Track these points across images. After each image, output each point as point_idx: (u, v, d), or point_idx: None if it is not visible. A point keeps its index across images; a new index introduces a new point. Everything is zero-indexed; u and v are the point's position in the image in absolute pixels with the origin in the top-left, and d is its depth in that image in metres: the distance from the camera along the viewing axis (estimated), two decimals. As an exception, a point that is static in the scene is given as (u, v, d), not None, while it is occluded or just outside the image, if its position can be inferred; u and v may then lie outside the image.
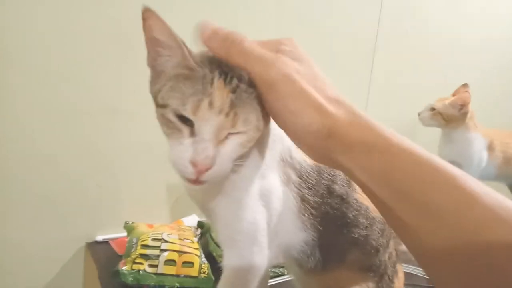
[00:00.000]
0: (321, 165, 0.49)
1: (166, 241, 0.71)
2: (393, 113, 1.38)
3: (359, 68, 1.26)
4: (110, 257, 0.77)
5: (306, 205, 0.47)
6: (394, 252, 0.54)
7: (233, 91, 0.34)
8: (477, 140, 1.16)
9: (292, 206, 0.47)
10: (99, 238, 0.83)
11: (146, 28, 0.35)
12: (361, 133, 0.31)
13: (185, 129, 0.35)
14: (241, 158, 0.38)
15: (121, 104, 0.83)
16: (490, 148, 1.16)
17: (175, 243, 0.71)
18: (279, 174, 0.46)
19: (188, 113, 0.34)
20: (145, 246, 0.70)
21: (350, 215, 0.49)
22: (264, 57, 0.33)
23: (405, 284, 0.75)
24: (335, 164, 0.33)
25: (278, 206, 0.45)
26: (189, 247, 0.72)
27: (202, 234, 0.84)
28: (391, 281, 0.51)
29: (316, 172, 0.48)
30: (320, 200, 0.47)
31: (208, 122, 0.34)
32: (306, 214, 0.47)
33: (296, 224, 0.47)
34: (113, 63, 0.81)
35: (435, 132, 1.24)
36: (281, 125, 0.34)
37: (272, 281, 0.69)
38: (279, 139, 0.46)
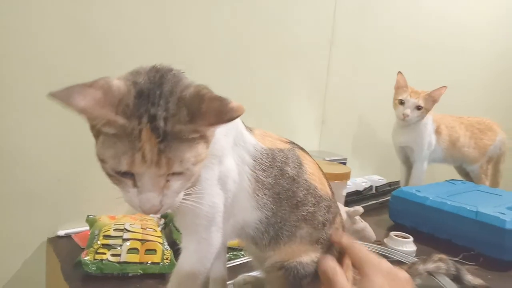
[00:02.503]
0: (274, 149, 0.53)
1: (128, 231, 0.73)
2: (351, 102, 1.44)
3: (316, 61, 1.31)
4: (72, 250, 0.77)
5: (260, 185, 0.50)
6: (341, 228, 0.58)
7: (163, 137, 0.36)
8: (429, 125, 1.24)
9: (247, 186, 0.50)
10: (61, 232, 0.83)
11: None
12: None
13: (128, 181, 0.38)
14: (191, 186, 0.42)
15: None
16: (438, 132, 1.25)
17: (138, 232, 0.73)
18: (234, 157, 0.49)
19: (125, 169, 0.37)
20: (107, 237, 0.71)
21: (301, 194, 0.53)
22: None
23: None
24: None
25: (233, 188, 0.49)
26: (152, 235, 0.74)
27: (165, 224, 0.86)
28: (338, 252, 0.56)
29: (270, 155, 0.52)
30: (273, 181, 0.51)
31: (145, 175, 0.37)
32: (260, 194, 0.50)
33: (251, 203, 0.51)
34: (76, 55, 0.81)
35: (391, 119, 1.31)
36: None
37: (232, 263, 0.72)
38: (233, 125, 0.49)
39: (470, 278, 0.73)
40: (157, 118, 0.36)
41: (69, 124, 0.82)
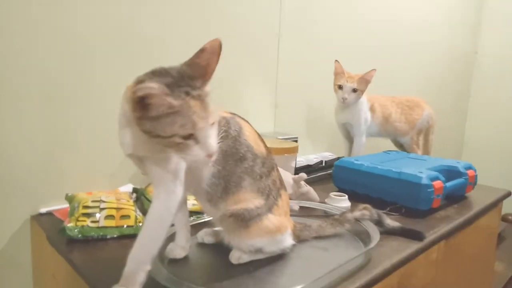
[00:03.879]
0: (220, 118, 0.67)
1: (104, 201, 0.85)
2: (301, 88, 1.60)
3: (266, 52, 1.46)
4: (55, 223, 0.88)
5: None
6: (278, 181, 0.74)
7: (198, 98, 0.54)
8: (364, 104, 1.43)
9: None
10: (43, 210, 0.93)
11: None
12: None
13: (191, 142, 0.55)
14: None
15: (60, 82, 0.93)
16: (372, 109, 1.44)
17: (113, 202, 0.85)
18: None
19: (191, 131, 0.54)
20: (86, 207, 0.83)
21: (242, 151, 0.68)
22: None
23: (306, 216, 0.97)
24: None
25: None
26: (125, 204, 0.86)
27: (137, 198, 0.99)
28: (276, 199, 0.71)
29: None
30: (221, 141, 0.65)
31: (204, 129, 0.54)
32: None
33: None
34: (51, 35, 0.91)
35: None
36: None
37: (196, 222, 0.86)
38: None
39: (389, 221, 0.91)
40: (188, 92, 0.53)
41: (44, 110, 0.92)
